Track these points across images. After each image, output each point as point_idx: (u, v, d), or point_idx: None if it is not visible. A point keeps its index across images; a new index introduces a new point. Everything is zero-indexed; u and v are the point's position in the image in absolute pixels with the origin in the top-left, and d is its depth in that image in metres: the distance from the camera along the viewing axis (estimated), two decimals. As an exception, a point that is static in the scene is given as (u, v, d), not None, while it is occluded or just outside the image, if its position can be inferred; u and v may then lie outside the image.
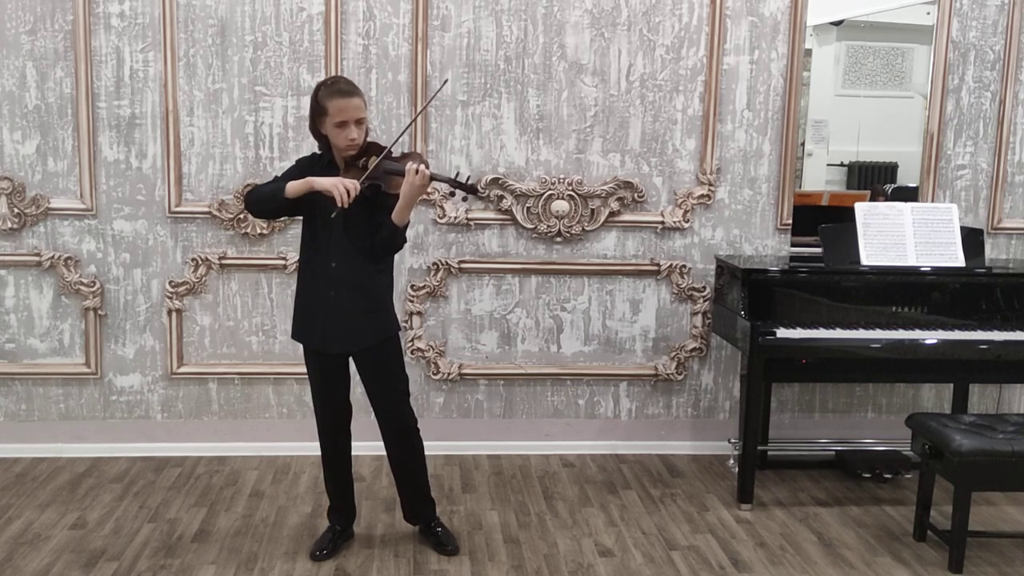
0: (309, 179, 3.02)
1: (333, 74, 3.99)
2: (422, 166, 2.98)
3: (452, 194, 3.09)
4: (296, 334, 3.31)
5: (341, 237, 3.10)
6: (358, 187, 2.97)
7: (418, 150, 4.06)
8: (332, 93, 3.05)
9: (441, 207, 4.21)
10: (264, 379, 4.29)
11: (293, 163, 3.29)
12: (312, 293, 3.19)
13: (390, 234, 3.07)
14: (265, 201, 3.13)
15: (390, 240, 3.10)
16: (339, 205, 2.94)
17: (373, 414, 3.34)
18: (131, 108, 4.07)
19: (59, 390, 4.24)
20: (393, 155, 3.11)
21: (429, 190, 3.61)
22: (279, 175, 3.23)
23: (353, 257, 3.12)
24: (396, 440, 3.34)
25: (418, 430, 3.36)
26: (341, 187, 2.94)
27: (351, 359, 3.28)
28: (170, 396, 4.28)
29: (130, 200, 4.14)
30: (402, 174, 3.01)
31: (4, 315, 4.18)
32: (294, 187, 3.03)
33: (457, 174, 3.10)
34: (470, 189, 3.05)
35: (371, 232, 3.10)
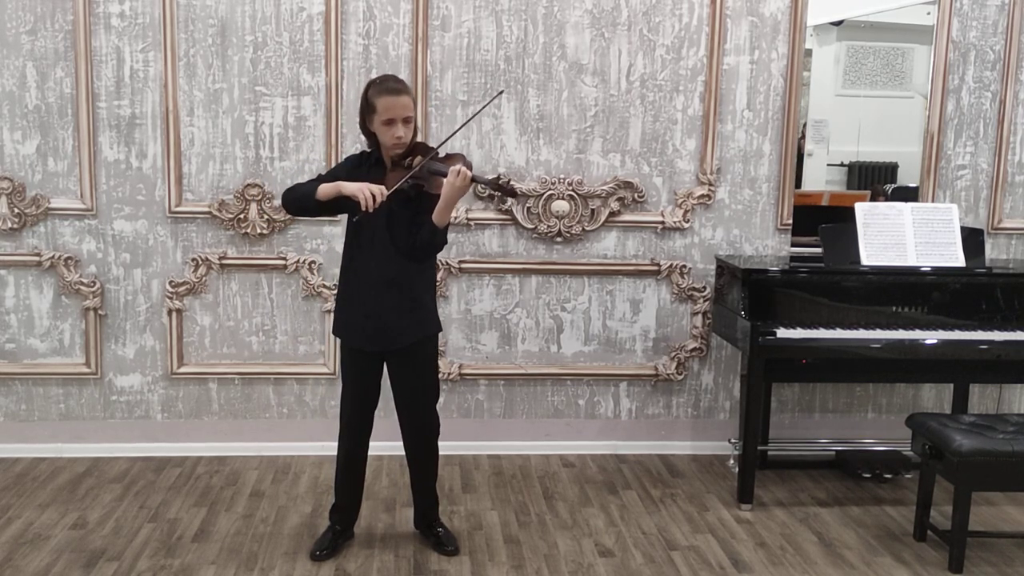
0: (338, 183, 3.06)
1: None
2: (463, 168, 2.99)
3: (492, 197, 3.09)
4: (336, 330, 3.33)
5: (383, 236, 3.12)
6: (385, 193, 2.98)
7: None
8: (381, 91, 3.07)
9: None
10: (264, 379, 4.30)
11: (344, 159, 3.30)
12: (353, 291, 3.21)
13: (430, 234, 3.08)
14: (299, 201, 3.16)
15: (430, 240, 3.10)
16: (362, 209, 2.96)
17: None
18: (131, 108, 4.07)
19: (59, 390, 4.24)
20: (439, 156, 3.13)
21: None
22: (323, 173, 3.24)
23: (394, 256, 3.13)
24: (416, 441, 3.35)
25: (439, 433, 3.37)
26: (367, 191, 2.95)
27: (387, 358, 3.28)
28: (170, 396, 4.28)
29: (130, 200, 4.14)
30: (445, 175, 3.01)
31: (4, 315, 4.18)
32: (324, 190, 3.07)
33: (498, 176, 3.09)
34: (509, 192, 3.05)
35: (414, 232, 3.11)
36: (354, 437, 3.35)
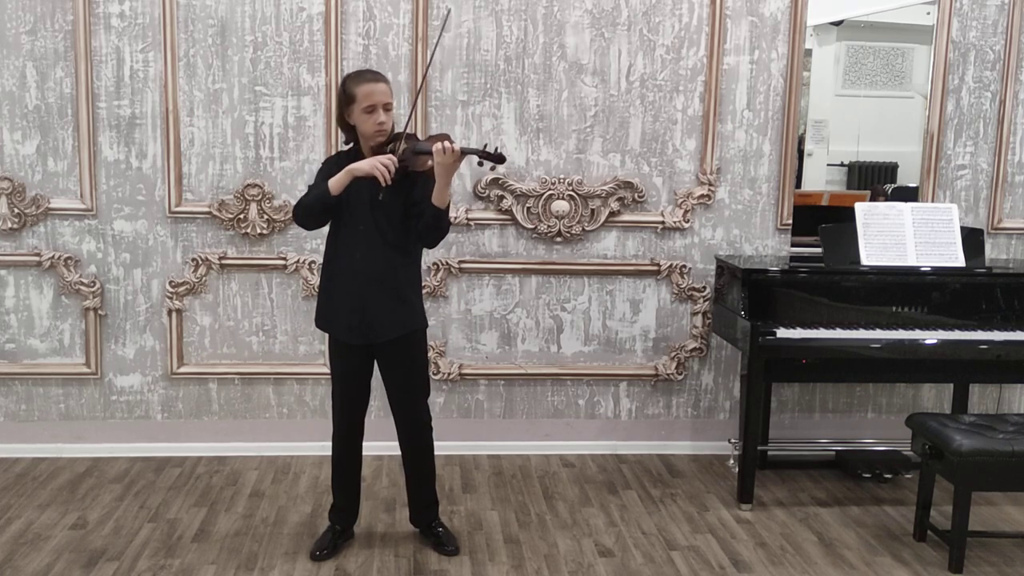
0: (347, 168, 3.07)
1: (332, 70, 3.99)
2: (447, 142, 2.99)
3: (480, 164, 3.09)
4: (319, 323, 3.32)
5: (369, 227, 3.12)
6: (395, 160, 3.01)
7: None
8: (360, 80, 3.11)
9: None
10: (264, 379, 4.30)
11: (321, 165, 3.30)
12: (336, 284, 3.21)
13: (434, 218, 3.07)
14: (314, 208, 3.13)
15: (435, 224, 3.09)
16: (383, 184, 2.98)
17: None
18: (131, 108, 4.07)
19: (59, 390, 4.24)
20: (419, 138, 3.15)
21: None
22: (311, 184, 3.25)
23: (378, 249, 3.13)
24: (409, 436, 3.35)
25: (431, 428, 3.37)
26: (379, 166, 2.99)
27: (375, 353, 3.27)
28: (170, 396, 4.28)
29: (130, 200, 4.14)
30: (429, 153, 3.01)
31: (4, 315, 4.18)
32: (337, 181, 3.06)
33: (485, 146, 3.09)
34: (497, 159, 3.05)
35: (401, 224, 3.12)
36: (345, 435, 3.35)
